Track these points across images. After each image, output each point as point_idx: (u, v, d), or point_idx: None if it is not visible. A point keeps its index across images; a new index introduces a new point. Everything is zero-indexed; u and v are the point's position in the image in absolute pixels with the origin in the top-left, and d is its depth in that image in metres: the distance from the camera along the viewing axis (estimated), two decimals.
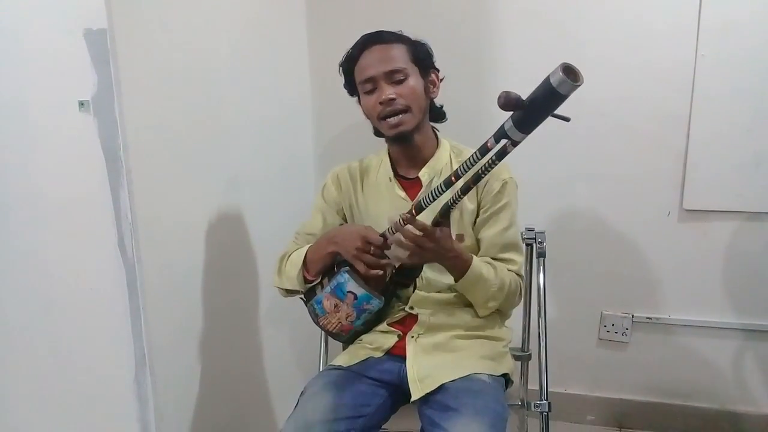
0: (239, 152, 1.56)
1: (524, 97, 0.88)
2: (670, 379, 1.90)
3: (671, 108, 1.73)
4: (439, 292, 1.28)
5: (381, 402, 1.23)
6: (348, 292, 1.23)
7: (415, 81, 1.24)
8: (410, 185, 1.31)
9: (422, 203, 1.09)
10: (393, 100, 1.22)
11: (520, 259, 1.31)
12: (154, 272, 1.21)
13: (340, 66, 1.31)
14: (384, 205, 1.31)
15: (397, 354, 1.26)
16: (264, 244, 1.65)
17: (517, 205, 1.31)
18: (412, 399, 1.18)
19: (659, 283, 1.85)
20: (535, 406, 1.35)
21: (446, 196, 1.07)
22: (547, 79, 0.84)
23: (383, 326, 1.30)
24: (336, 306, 1.25)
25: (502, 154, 0.96)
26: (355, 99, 1.34)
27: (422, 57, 1.27)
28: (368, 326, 1.31)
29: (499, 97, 0.87)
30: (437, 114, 1.36)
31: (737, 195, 1.73)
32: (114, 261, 1.16)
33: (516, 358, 1.49)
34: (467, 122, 1.51)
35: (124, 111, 1.10)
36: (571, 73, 0.83)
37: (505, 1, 1.80)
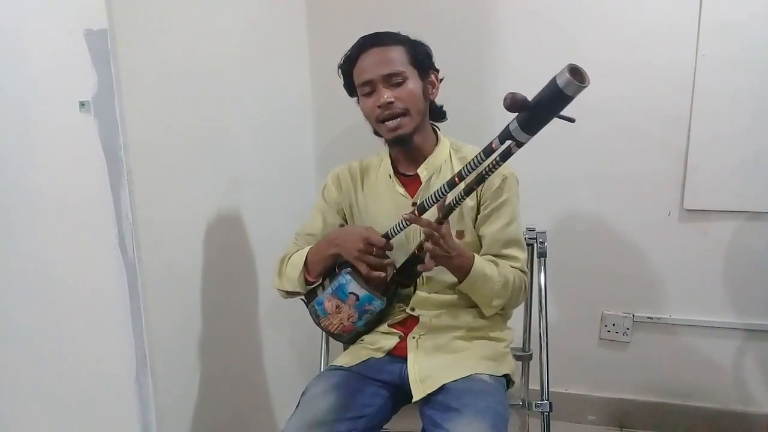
0: (240, 152, 1.56)
1: (528, 98, 0.88)
2: (671, 378, 1.90)
3: (672, 108, 1.73)
4: (439, 293, 1.28)
5: (382, 402, 1.22)
6: (350, 293, 1.23)
7: (413, 84, 1.24)
8: (409, 182, 1.31)
9: (425, 204, 1.09)
10: (391, 103, 1.22)
11: (522, 255, 1.30)
12: (154, 272, 1.21)
13: (339, 67, 1.31)
14: (384, 203, 1.31)
15: (398, 354, 1.26)
16: (264, 245, 1.65)
17: (518, 200, 1.30)
18: (414, 399, 1.18)
19: (660, 283, 1.85)
20: (536, 406, 1.35)
21: (451, 197, 1.07)
22: (554, 81, 0.84)
23: (384, 327, 1.30)
24: (337, 307, 1.25)
25: (506, 155, 0.96)
26: (354, 99, 1.34)
27: (421, 58, 1.27)
28: (369, 327, 1.31)
29: (505, 98, 0.87)
30: (437, 114, 1.35)
31: (738, 195, 1.73)
32: (115, 261, 1.16)
33: (517, 358, 1.49)
34: (467, 122, 1.51)
35: (124, 111, 1.10)
36: (577, 75, 0.83)
37: (505, 1, 1.80)
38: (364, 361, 1.27)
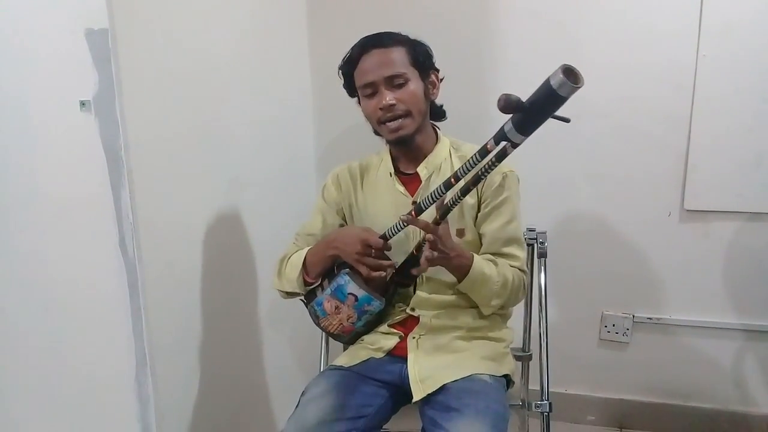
0: (240, 152, 1.56)
1: (524, 98, 0.88)
2: (670, 379, 1.90)
3: (672, 108, 1.73)
4: (439, 293, 1.28)
5: (382, 402, 1.23)
6: (348, 293, 1.23)
7: (415, 85, 1.24)
8: (409, 180, 1.31)
9: (422, 205, 1.09)
10: (393, 105, 1.22)
11: (522, 253, 1.30)
12: (155, 272, 1.21)
13: (340, 68, 1.31)
14: (383, 201, 1.31)
15: (398, 355, 1.26)
16: (265, 245, 1.65)
17: (519, 198, 1.30)
18: (414, 400, 1.18)
19: (660, 283, 1.85)
20: (536, 406, 1.35)
21: (448, 198, 1.07)
22: (547, 81, 0.84)
23: (384, 327, 1.30)
24: (337, 308, 1.25)
25: (501, 156, 0.96)
26: (355, 99, 1.34)
27: (422, 59, 1.27)
28: (369, 327, 1.31)
29: (499, 99, 0.87)
30: (437, 113, 1.35)
31: (738, 195, 1.73)
32: (115, 261, 1.16)
33: (517, 358, 1.49)
34: (467, 122, 1.51)
35: (125, 111, 1.10)
36: (571, 75, 0.82)
37: (505, 1, 1.80)
38: (364, 361, 1.27)
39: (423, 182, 1.29)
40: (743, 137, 1.69)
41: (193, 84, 1.35)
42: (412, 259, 1.20)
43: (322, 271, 1.28)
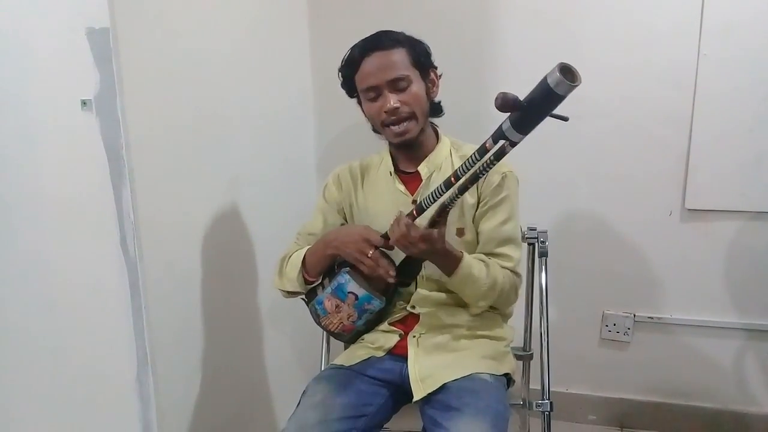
0: (241, 151, 1.56)
1: (522, 97, 0.87)
2: (671, 378, 1.90)
3: (673, 108, 1.73)
4: (440, 291, 1.28)
5: (383, 401, 1.23)
6: (349, 292, 1.23)
7: (417, 86, 1.24)
8: (409, 179, 1.31)
9: (423, 204, 1.09)
10: (397, 108, 1.22)
11: (516, 254, 1.29)
12: (156, 271, 1.22)
13: (339, 71, 1.30)
14: (384, 201, 1.31)
15: (398, 353, 1.26)
16: (265, 244, 1.65)
17: (517, 198, 1.29)
18: (414, 399, 1.18)
19: (661, 282, 1.85)
20: (537, 405, 1.35)
21: (447, 196, 1.07)
22: (545, 80, 0.84)
23: (385, 326, 1.30)
24: (337, 307, 1.25)
25: (500, 155, 0.96)
26: (354, 99, 1.34)
27: (422, 59, 1.26)
28: (370, 326, 1.31)
29: (496, 98, 0.87)
30: (435, 110, 1.34)
31: (739, 195, 1.73)
32: (116, 260, 1.16)
33: (518, 357, 1.49)
34: (467, 122, 1.51)
35: (126, 110, 1.10)
36: (568, 73, 0.82)
37: (506, 1, 1.80)
38: (365, 360, 1.27)
39: (424, 181, 1.29)
40: (744, 136, 1.69)
41: (194, 83, 1.35)
42: (411, 258, 1.20)
43: (322, 269, 1.28)
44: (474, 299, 1.24)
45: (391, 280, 1.19)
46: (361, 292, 1.22)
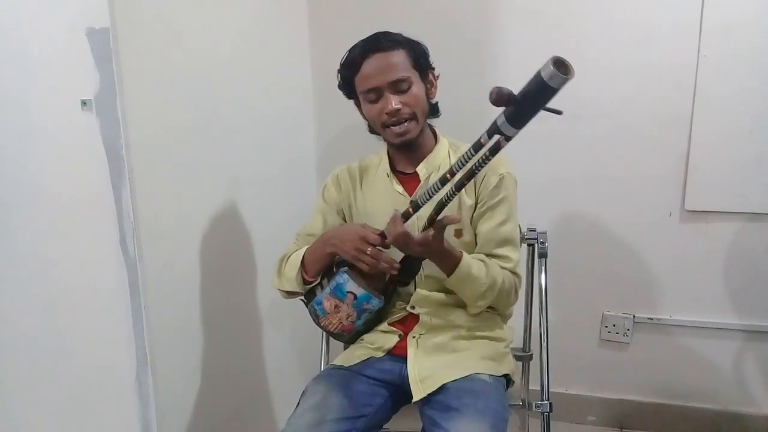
0: (241, 152, 1.56)
1: (516, 92, 0.88)
2: (671, 379, 1.90)
3: (673, 109, 1.73)
4: (440, 291, 1.28)
5: (382, 402, 1.23)
6: (347, 292, 1.23)
7: (417, 87, 1.24)
8: (408, 180, 1.31)
9: (419, 201, 1.09)
10: (399, 110, 1.22)
11: (515, 255, 1.29)
12: (155, 271, 1.22)
13: (339, 72, 1.30)
14: (382, 202, 1.31)
15: (398, 354, 1.26)
16: (265, 244, 1.65)
17: (515, 200, 1.29)
18: (414, 400, 1.18)
19: (660, 283, 1.85)
20: (537, 406, 1.35)
21: (443, 193, 1.07)
22: (538, 74, 0.84)
23: (384, 326, 1.30)
24: (336, 306, 1.25)
25: (495, 150, 0.96)
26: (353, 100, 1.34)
27: (421, 60, 1.27)
28: (369, 326, 1.31)
29: (491, 93, 0.87)
30: (433, 110, 1.34)
31: (739, 196, 1.73)
32: (116, 260, 1.16)
33: (517, 358, 1.49)
34: (467, 122, 1.50)
35: (126, 110, 1.10)
36: (561, 67, 0.82)
37: (505, 1, 1.80)
38: (364, 360, 1.27)
39: (422, 182, 1.29)
40: (744, 137, 1.69)
41: (194, 83, 1.35)
42: (410, 257, 1.20)
43: (320, 269, 1.28)
44: (473, 299, 1.24)
45: (395, 273, 1.19)
46: (359, 291, 1.22)
